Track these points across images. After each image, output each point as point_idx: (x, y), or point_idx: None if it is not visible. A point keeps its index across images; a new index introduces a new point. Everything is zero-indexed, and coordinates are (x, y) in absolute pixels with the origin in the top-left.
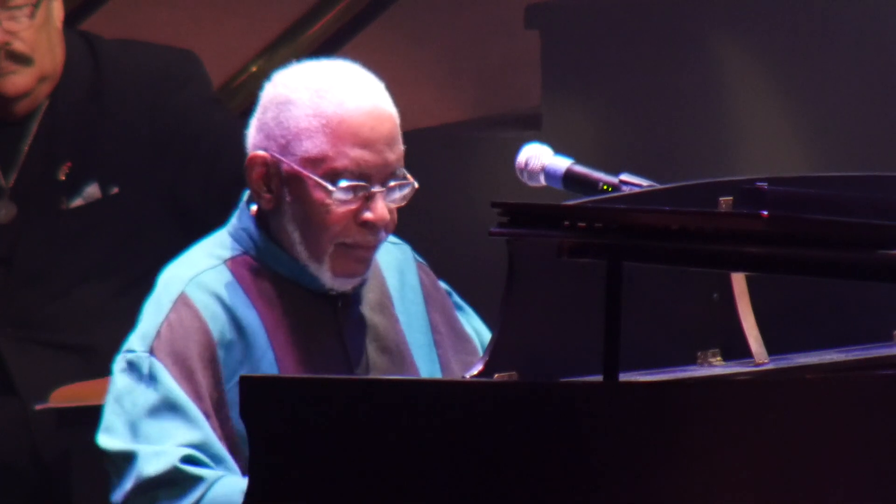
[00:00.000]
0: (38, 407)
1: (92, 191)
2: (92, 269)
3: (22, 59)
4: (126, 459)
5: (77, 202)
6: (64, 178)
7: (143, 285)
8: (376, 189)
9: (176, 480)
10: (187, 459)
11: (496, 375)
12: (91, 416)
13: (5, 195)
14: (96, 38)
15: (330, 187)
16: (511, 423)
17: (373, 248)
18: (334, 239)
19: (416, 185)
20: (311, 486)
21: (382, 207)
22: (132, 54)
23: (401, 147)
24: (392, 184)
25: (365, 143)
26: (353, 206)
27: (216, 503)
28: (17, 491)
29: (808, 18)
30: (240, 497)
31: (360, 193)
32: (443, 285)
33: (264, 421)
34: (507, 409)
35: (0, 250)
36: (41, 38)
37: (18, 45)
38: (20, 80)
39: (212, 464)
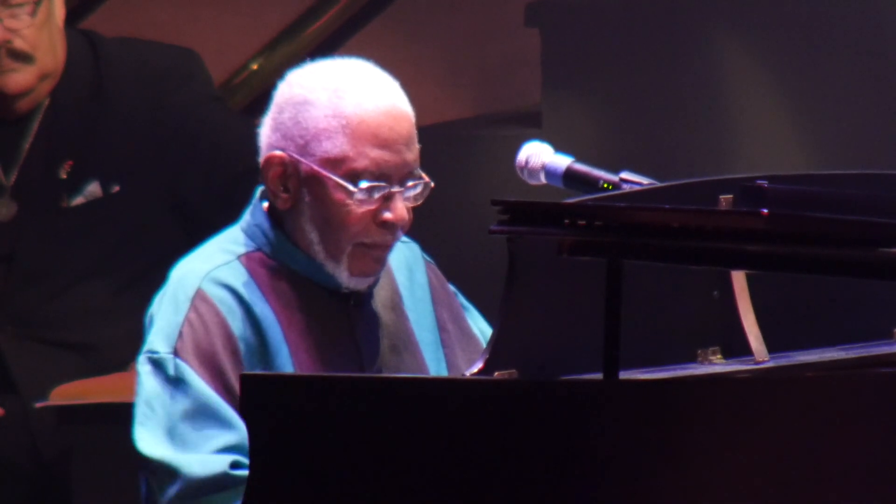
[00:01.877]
0: (39, 405)
1: (93, 189)
2: (92, 268)
3: (23, 58)
4: (170, 467)
5: (78, 200)
6: (65, 176)
7: (144, 283)
8: (395, 189)
9: (226, 485)
10: (236, 465)
11: (496, 373)
12: (92, 414)
13: (6, 193)
14: (97, 36)
15: (351, 188)
16: (511, 421)
17: (389, 247)
18: (353, 239)
19: (432, 183)
20: (311, 484)
21: (402, 207)
22: (133, 53)
23: (417, 146)
24: (410, 183)
25: (384, 144)
26: (372, 207)
27: None
28: (17, 488)
29: (809, 16)
30: None
31: (380, 193)
32: (450, 286)
33: (264, 419)
34: (507, 407)
35: (1, 248)
36: (42, 36)
37: (20, 44)
38: (21, 78)
39: None
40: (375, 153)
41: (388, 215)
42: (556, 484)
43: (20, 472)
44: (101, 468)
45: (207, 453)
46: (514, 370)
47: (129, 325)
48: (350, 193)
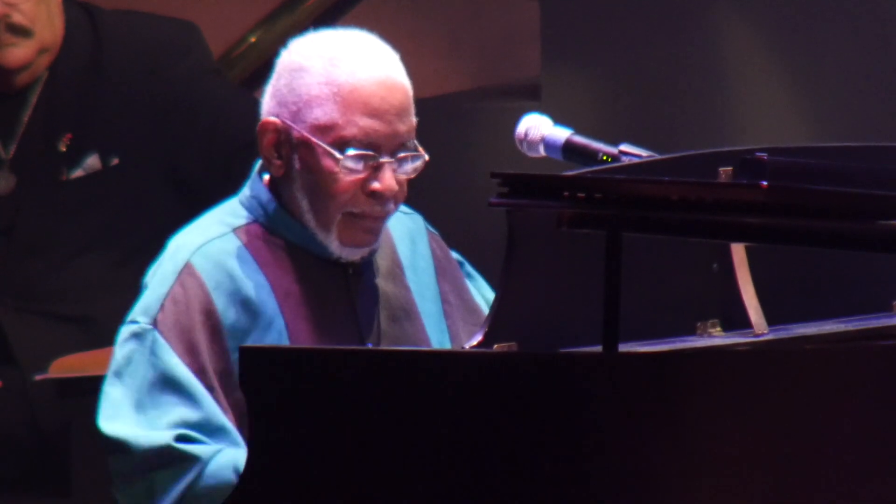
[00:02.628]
0: (38, 377)
1: (92, 162)
2: (92, 240)
3: (22, 32)
4: (118, 439)
5: (77, 173)
6: (64, 149)
7: (143, 256)
8: (385, 159)
9: (172, 461)
10: (182, 438)
11: (496, 346)
12: (91, 387)
13: (5, 166)
14: (96, 9)
15: (338, 155)
16: (510, 394)
17: (381, 218)
18: (342, 208)
19: (427, 157)
20: (310, 457)
21: (390, 178)
22: (132, 25)
23: (412, 119)
24: (402, 155)
25: (375, 113)
26: (361, 176)
27: (214, 478)
28: (16, 460)
29: None
30: (229, 469)
31: (369, 163)
32: (454, 255)
33: (263, 391)
34: (506, 380)
35: (0, 221)
36: (41, 9)
37: (18, 18)
38: (20, 52)
39: (209, 441)
40: (365, 122)
41: (376, 185)
42: (555, 456)
43: (19, 445)
44: (100, 440)
45: (163, 426)
46: (513, 343)
47: (128, 298)
48: (337, 161)
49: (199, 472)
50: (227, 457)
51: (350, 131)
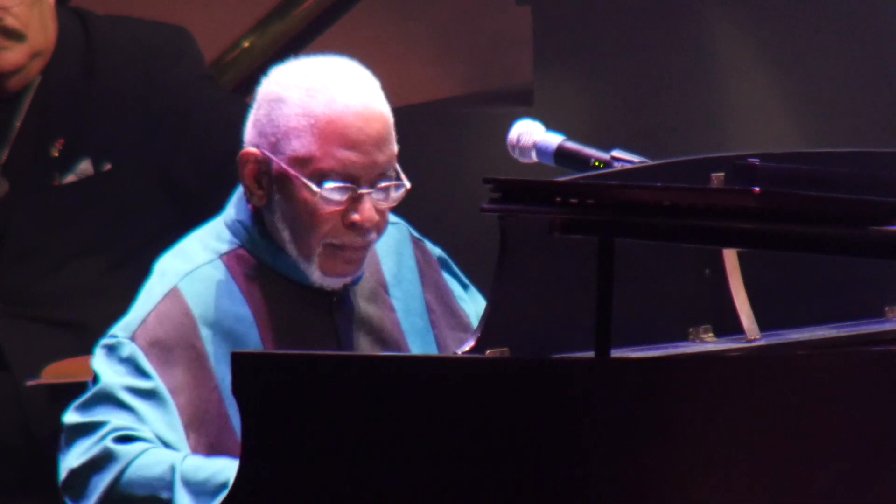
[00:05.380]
0: (30, 383)
1: (84, 167)
2: (84, 246)
3: (14, 36)
4: (70, 429)
5: (69, 178)
6: (57, 154)
7: (136, 262)
8: (364, 190)
9: (105, 457)
10: (120, 438)
11: (488, 351)
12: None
13: None
14: (88, 14)
15: (315, 188)
16: (502, 399)
17: (362, 248)
18: (322, 239)
19: (409, 185)
20: (301, 461)
21: (370, 209)
22: (124, 30)
23: (393, 147)
24: (382, 185)
25: (352, 144)
26: (339, 208)
27: (147, 467)
28: (8, 466)
29: None
30: (165, 465)
31: (347, 195)
32: (438, 251)
33: (256, 397)
34: (498, 385)
35: None
36: (33, 14)
37: (11, 21)
38: (12, 56)
39: (151, 441)
40: (342, 154)
41: (355, 216)
42: (546, 462)
43: (12, 451)
44: None
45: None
46: (505, 348)
47: (120, 304)
48: (315, 193)
49: (125, 465)
50: (161, 453)
51: (327, 163)
